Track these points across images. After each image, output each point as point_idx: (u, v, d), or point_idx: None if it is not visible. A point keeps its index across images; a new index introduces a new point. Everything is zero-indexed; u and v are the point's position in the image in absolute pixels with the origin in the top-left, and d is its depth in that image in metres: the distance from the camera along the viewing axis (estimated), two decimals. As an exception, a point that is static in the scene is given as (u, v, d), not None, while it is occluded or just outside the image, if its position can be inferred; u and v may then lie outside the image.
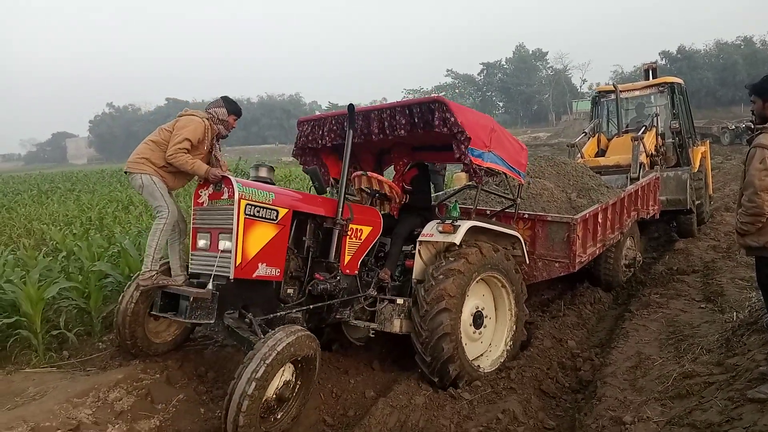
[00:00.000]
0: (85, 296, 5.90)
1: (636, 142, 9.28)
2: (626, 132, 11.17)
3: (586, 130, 11.89)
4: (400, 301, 5.08)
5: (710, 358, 4.71)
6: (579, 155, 10.72)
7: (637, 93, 12.19)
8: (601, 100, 12.26)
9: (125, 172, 4.83)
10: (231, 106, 5.08)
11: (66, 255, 7.30)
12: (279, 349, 3.68)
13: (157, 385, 4.74)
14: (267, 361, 3.60)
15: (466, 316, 5.07)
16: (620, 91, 11.87)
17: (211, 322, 4.26)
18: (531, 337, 5.85)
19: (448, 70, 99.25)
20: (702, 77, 66.99)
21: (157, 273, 4.64)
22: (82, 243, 7.48)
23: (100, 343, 5.65)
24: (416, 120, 5.02)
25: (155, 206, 4.69)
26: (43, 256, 7.11)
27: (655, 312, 6.46)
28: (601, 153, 11.18)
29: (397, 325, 4.99)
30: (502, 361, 5.31)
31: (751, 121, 3.83)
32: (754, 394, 3.58)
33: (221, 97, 5.12)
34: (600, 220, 7.04)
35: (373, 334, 5.15)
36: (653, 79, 12.38)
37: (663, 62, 70.36)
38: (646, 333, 5.81)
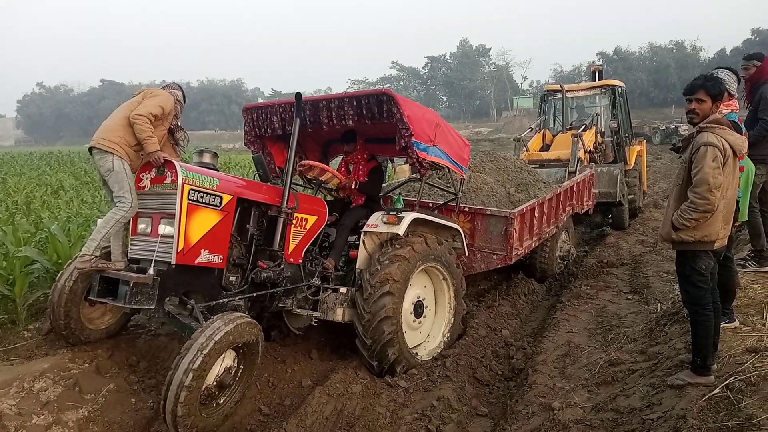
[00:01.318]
0: (10, 283, 5.63)
1: (575, 139, 9.92)
2: (570, 129, 11.79)
3: (532, 126, 12.60)
4: (343, 290, 5.11)
5: (635, 347, 4.93)
6: (524, 149, 11.38)
7: (581, 93, 13.13)
8: (549, 98, 13.08)
9: (90, 149, 4.57)
10: (183, 91, 5.16)
11: (-11, 240, 6.94)
12: (216, 338, 3.64)
13: (86, 375, 4.59)
14: (204, 352, 3.56)
15: (408, 304, 5.16)
16: (566, 91, 12.64)
17: (152, 307, 4.18)
18: (466, 326, 5.97)
19: (393, 62, 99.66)
20: (636, 78, 69.65)
21: (96, 257, 4.48)
22: (7, 227, 7.13)
23: (25, 332, 5.40)
24: (364, 111, 5.09)
25: (119, 195, 4.45)
26: (-36, 241, 6.74)
27: (585, 303, 6.71)
28: (545, 148, 11.89)
29: (339, 314, 5.02)
30: (438, 351, 5.42)
31: (691, 121, 3.88)
32: (673, 380, 3.78)
33: (174, 82, 5.17)
34: (536, 215, 7.25)
35: (315, 322, 5.16)
36: (599, 79, 13.24)
37: (600, 62, 72.58)
38: (576, 323, 6.03)
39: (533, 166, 10.30)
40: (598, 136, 11.69)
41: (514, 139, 12.37)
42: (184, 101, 5.17)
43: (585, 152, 10.47)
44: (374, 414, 4.30)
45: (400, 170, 6.74)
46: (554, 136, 12.29)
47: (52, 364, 4.57)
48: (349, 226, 5.56)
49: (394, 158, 10.37)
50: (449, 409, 4.40)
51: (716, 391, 3.44)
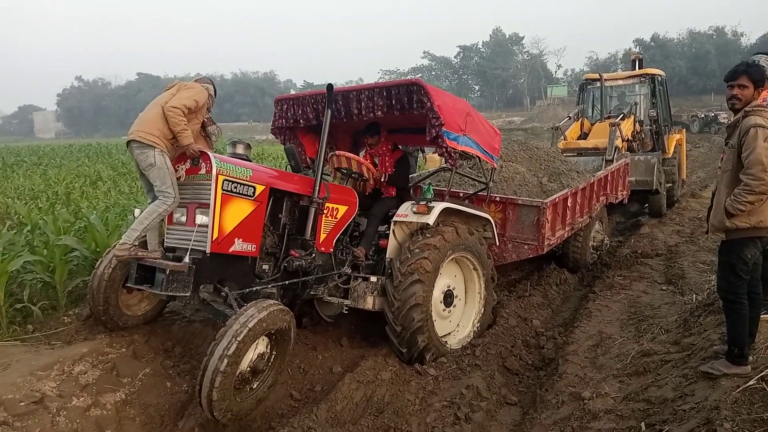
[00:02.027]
0: (50, 270, 5.82)
1: (613, 128, 9.90)
2: (608, 118, 11.78)
3: (570, 115, 12.60)
4: (373, 278, 5.15)
5: (668, 338, 4.86)
6: (562, 137, 11.40)
7: (620, 82, 13.14)
8: (588, 87, 13.08)
9: (129, 142, 4.61)
10: (214, 85, 5.17)
11: (31, 229, 7.16)
12: (251, 325, 3.71)
13: (123, 359, 4.71)
14: (239, 338, 3.63)
15: (438, 293, 5.17)
16: (605, 80, 12.61)
17: (187, 294, 4.27)
18: (497, 316, 5.95)
19: (424, 52, 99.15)
20: (674, 66, 67.79)
21: (134, 246, 4.57)
22: (48, 217, 7.37)
23: (66, 318, 5.58)
24: (393, 102, 5.09)
25: (162, 190, 4.48)
26: (8, 230, 6.99)
27: (618, 293, 6.63)
28: (583, 136, 11.91)
29: (369, 302, 5.05)
30: (468, 341, 5.42)
31: (732, 107, 3.81)
32: (707, 369, 3.71)
33: (205, 76, 5.16)
34: (569, 204, 7.16)
35: (346, 310, 5.21)
36: (640, 68, 13.17)
37: (637, 50, 71.02)
38: (609, 313, 5.96)
39: (570, 154, 10.34)
40: (637, 124, 11.66)
41: (552, 128, 12.37)
42: (215, 95, 5.21)
43: (623, 141, 10.46)
44: (403, 401, 4.33)
45: (431, 159, 6.75)
46: (592, 124, 12.29)
47: (90, 349, 4.71)
48: (380, 216, 5.60)
49: (425, 148, 10.42)
50: (478, 397, 4.41)
51: (751, 382, 3.38)
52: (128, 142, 4.64)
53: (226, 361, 3.57)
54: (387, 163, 5.95)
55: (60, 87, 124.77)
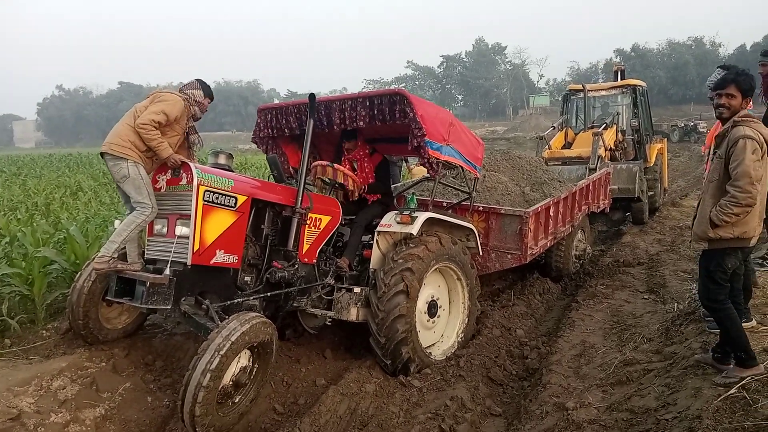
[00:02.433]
0: (29, 283, 5.72)
1: (596, 137, 10.16)
2: (592, 127, 12.10)
3: (554, 125, 12.84)
4: (357, 289, 5.11)
5: (650, 347, 4.88)
6: (547, 147, 11.67)
7: (603, 93, 13.52)
8: (571, 97, 13.41)
9: (102, 154, 4.54)
10: (206, 88, 5.01)
11: (9, 240, 7.04)
12: (233, 339, 3.68)
13: (103, 374, 4.65)
14: (221, 352, 3.60)
15: (422, 304, 5.16)
16: (588, 91, 13.02)
17: (168, 307, 4.21)
18: (481, 326, 5.95)
19: (408, 62, 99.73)
20: (654, 75, 68.93)
21: (113, 258, 4.49)
22: (27, 228, 7.26)
23: (44, 331, 5.48)
24: (376, 112, 5.08)
25: (138, 201, 4.42)
26: (-16, 242, 6.86)
27: (601, 302, 6.66)
28: (567, 146, 12.22)
29: (353, 314, 5.02)
30: (452, 351, 5.41)
31: (720, 116, 3.81)
32: (723, 380, 3.60)
33: (196, 79, 5.01)
34: (552, 214, 7.20)
35: (329, 322, 5.17)
36: (622, 79, 13.60)
37: (617, 59, 72.00)
38: (592, 322, 5.99)
39: (555, 163, 10.49)
40: (619, 134, 11.96)
41: (536, 138, 12.60)
42: (211, 98, 5.05)
43: (606, 150, 10.71)
44: (388, 413, 4.30)
45: (417, 171, 6.76)
46: (576, 134, 12.57)
47: (69, 363, 4.63)
48: (363, 225, 5.58)
49: (408, 158, 10.44)
50: (463, 408, 4.39)
51: (732, 391, 3.40)
52: (102, 154, 4.58)
53: (208, 375, 3.53)
54: (367, 169, 5.94)
55: (40, 96, 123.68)
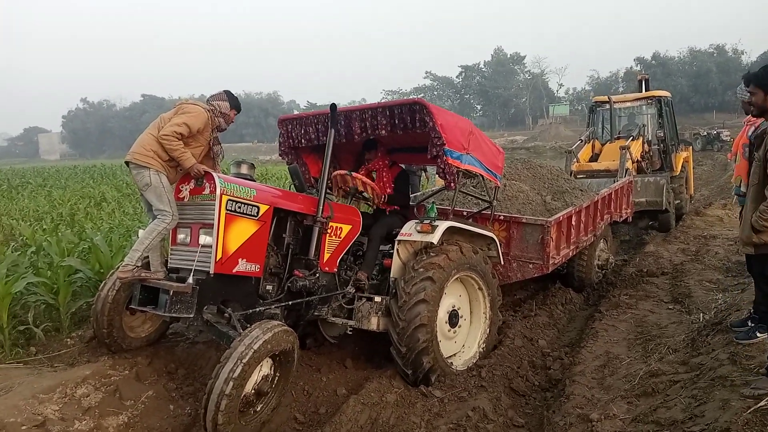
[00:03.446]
0: (54, 292, 5.81)
1: (623, 151, 10.20)
2: (618, 138, 12.26)
3: (582, 137, 12.90)
4: (377, 299, 5.09)
5: (676, 358, 4.80)
6: (575, 160, 11.71)
7: (628, 104, 13.59)
8: (597, 109, 13.51)
9: (126, 163, 4.63)
10: (233, 100, 5.05)
11: (35, 250, 7.18)
12: (256, 347, 3.69)
13: (126, 382, 4.67)
14: (244, 360, 3.61)
15: (443, 314, 5.12)
16: (614, 102, 13.01)
17: (191, 316, 4.23)
18: (502, 336, 5.90)
19: (426, 72, 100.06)
20: (676, 84, 68.23)
21: (137, 267, 4.55)
22: (52, 238, 7.37)
23: (69, 339, 5.56)
24: (396, 121, 5.08)
25: (159, 209, 4.50)
26: (12, 251, 6.98)
27: (625, 312, 6.56)
28: (594, 157, 12.25)
29: (374, 323, 5.00)
30: (474, 362, 5.36)
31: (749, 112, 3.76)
32: (751, 392, 3.54)
33: (224, 91, 5.05)
34: (573, 223, 7.13)
35: (350, 331, 5.15)
36: (646, 88, 13.80)
37: (638, 68, 71.46)
38: (615, 333, 5.90)
39: (582, 176, 10.45)
40: (645, 145, 11.98)
41: (566, 152, 12.65)
42: (238, 109, 5.10)
43: (633, 162, 10.74)
44: (409, 423, 4.28)
45: (439, 181, 6.75)
46: (603, 145, 12.58)
47: (93, 371, 4.67)
48: (381, 235, 5.56)
49: (428, 167, 10.42)
50: (485, 419, 4.34)
51: (762, 403, 3.33)
52: (126, 163, 4.66)
53: (231, 383, 3.54)
54: (385, 179, 5.94)
55: (65, 109, 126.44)
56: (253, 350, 3.66)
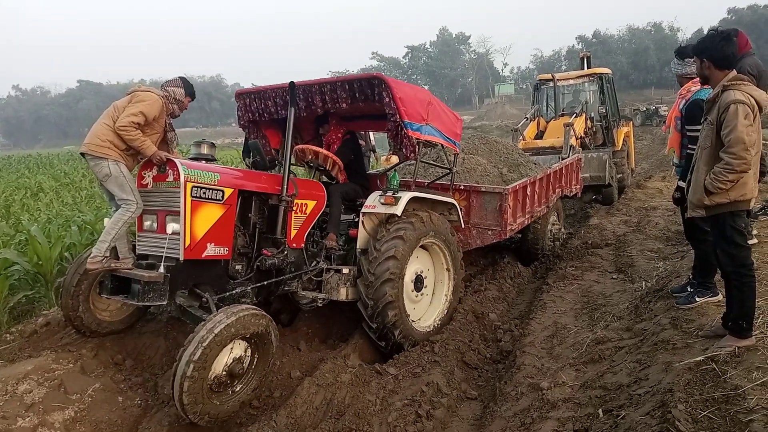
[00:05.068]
0: (-11, 286, 5.55)
1: (567, 128, 10.54)
2: (562, 115, 12.70)
3: (527, 115, 13.29)
4: (345, 270, 5.21)
5: (620, 325, 4.96)
6: (521, 138, 12.04)
7: (571, 81, 14.02)
8: (541, 87, 13.88)
9: (82, 154, 4.58)
10: (188, 87, 5.08)
11: (-33, 244, 6.83)
12: (216, 331, 3.75)
13: (71, 375, 4.53)
14: (204, 344, 3.68)
15: (408, 280, 5.29)
16: (557, 80, 13.51)
17: (164, 303, 4.31)
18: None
19: (373, 53, 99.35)
20: (616, 61, 70.04)
21: (106, 257, 4.50)
22: (-15, 231, 7.04)
23: (8, 335, 5.33)
24: (357, 94, 5.21)
25: (122, 198, 4.47)
26: (-59, 246, 6.63)
27: (571, 284, 6.74)
28: (540, 135, 12.59)
29: (343, 293, 5.13)
30: (445, 313, 5.64)
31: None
32: (718, 349, 3.62)
33: (179, 77, 5.09)
34: (529, 193, 7.37)
35: (321, 303, 5.25)
36: (588, 65, 14.29)
37: (579, 46, 72.96)
38: (563, 304, 6.06)
39: (529, 154, 10.66)
40: (588, 121, 12.37)
41: (511, 130, 12.96)
42: (192, 96, 5.13)
43: (576, 138, 11.08)
44: (364, 402, 4.29)
45: (395, 159, 6.81)
46: (548, 122, 12.95)
47: (35, 366, 4.51)
48: (339, 197, 5.61)
49: (376, 148, 10.41)
50: (439, 393, 4.40)
51: (700, 358, 3.47)
52: (82, 155, 4.60)
53: (192, 366, 3.63)
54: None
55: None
56: (214, 334, 3.72)
